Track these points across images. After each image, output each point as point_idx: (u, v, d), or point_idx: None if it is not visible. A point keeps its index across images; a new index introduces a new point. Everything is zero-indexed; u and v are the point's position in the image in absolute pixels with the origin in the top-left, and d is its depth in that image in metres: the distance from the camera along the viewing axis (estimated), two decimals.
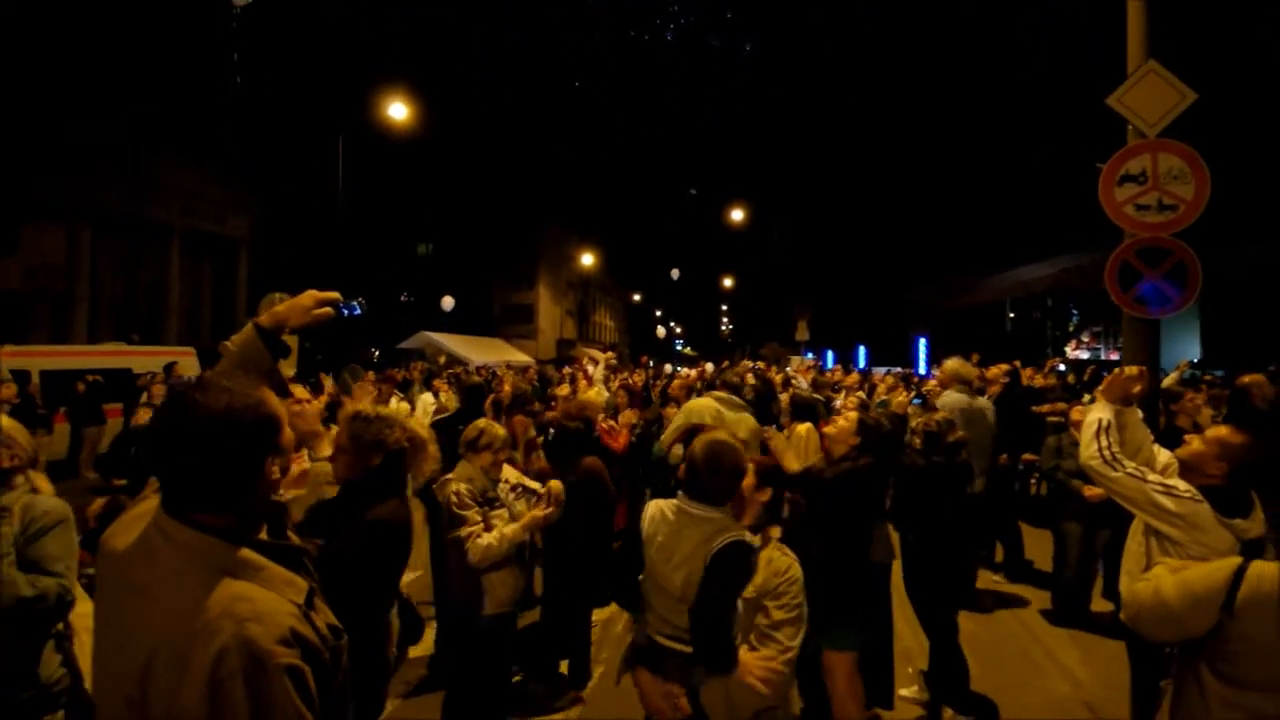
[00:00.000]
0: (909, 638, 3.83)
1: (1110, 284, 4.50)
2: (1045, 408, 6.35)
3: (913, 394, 6.64)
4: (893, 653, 3.42)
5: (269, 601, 1.09)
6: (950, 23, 29.17)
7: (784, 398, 6.42)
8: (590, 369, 10.86)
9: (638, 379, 11.92)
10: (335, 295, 1.64)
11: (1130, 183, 4.60)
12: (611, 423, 5.37)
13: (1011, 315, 33.35)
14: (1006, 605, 5.20)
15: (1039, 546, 5.80)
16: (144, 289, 24.74)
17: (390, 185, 33.04)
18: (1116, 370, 2.74)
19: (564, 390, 7.79)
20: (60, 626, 2.24)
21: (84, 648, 2.24)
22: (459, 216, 39.88)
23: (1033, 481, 7.53)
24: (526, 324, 42.67)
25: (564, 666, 3.99)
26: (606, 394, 6.30)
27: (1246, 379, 5.24)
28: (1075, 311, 34.93)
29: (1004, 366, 6.49)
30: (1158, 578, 2.03)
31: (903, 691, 3.59)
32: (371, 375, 11.19)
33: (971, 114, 28.73)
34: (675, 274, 39.83)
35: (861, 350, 36.92)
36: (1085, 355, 30.54)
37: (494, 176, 39.97)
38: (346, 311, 1.66)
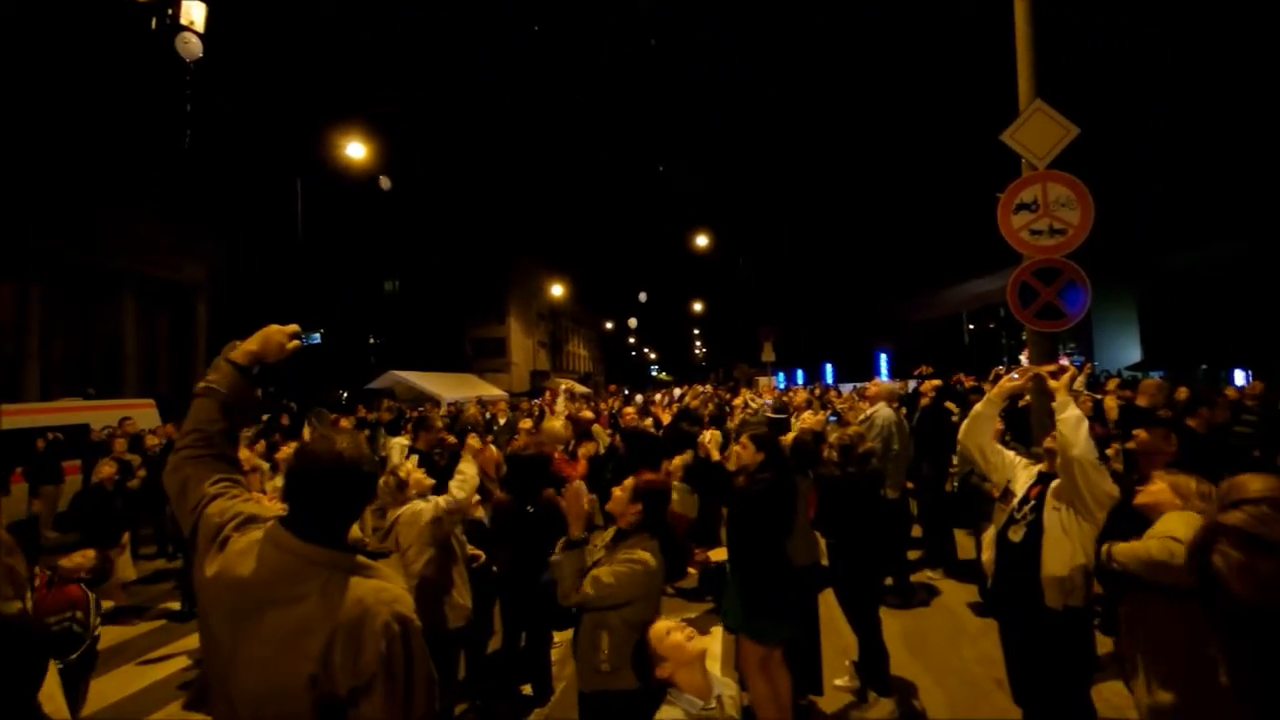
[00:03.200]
0: (849, 635, 4.15)
1: (1012, 302, 4.97)
2: None
3: (829, 411, 7.10)
4: (820, 647, 3.73)
5: (396, 588, 1.54)
6: (901, 47, 30.60)
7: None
8: (558, 399, 11.11)
9: (610, 405, 12.20)
10: (296, 327, 1.82)
11: (1024, 210, 5.09)
12: (564, 458, 5.64)
13: (970, 327, 34.38)
14: (938, 597, 5.70)
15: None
16: (98, 341, 24.08)
17: (352, 223, 32.97)
18: (1075, 367, 3.20)
19: (527, 424, 8.04)
20: None
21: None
22: (426, 253, 39.89)
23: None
24: (499, 358, 42.65)
25: (528, 689, 4.20)
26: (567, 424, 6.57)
27: (1145, 383, 5.77)
28: None
29: (936, 383, 7.00)
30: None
31: (837, 681, 3.91)
32: (341, 419, 11.28)
33: (924, 132, 30.05)
34: (643, 297, 40.30)
35: (828, 368, 37.76)
36: None
37: (459, 211, 40.15)
38: (305, 341, 1.89)
